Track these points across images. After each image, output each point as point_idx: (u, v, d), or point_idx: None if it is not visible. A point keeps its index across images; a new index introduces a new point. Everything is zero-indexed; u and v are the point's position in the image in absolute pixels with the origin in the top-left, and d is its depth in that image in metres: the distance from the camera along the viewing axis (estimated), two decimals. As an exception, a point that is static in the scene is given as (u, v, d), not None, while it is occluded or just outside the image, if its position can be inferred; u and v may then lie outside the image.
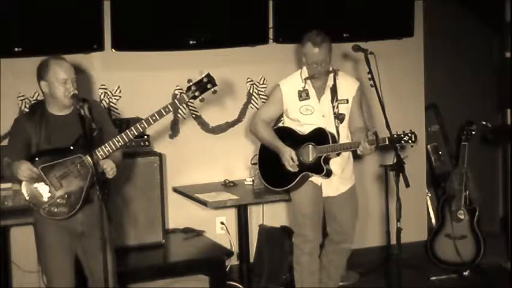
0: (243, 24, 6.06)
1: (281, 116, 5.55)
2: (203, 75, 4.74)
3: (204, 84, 4.72)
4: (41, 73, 4.60)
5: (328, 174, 5.36)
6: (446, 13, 7.07)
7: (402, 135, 5.08)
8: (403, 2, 6.48)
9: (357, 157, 5.67)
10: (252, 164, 6.05)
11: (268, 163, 5.56)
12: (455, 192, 6.52)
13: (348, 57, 6.27)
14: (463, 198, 6.49)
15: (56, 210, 4.57)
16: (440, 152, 7.20)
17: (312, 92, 5.37)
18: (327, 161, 5.34)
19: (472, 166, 6.57)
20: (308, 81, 5.37)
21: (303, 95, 5.37)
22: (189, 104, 6.05)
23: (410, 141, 5.08)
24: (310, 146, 5.36)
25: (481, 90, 7.33)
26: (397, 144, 5.10)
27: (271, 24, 6.19)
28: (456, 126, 6.83)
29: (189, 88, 4.72)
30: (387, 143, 5.11)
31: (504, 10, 7.13)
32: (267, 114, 5.53)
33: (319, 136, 5.32)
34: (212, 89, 4.75)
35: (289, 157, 5.34)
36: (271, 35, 6.20)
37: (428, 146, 7.12)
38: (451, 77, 7.16)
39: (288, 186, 5.46)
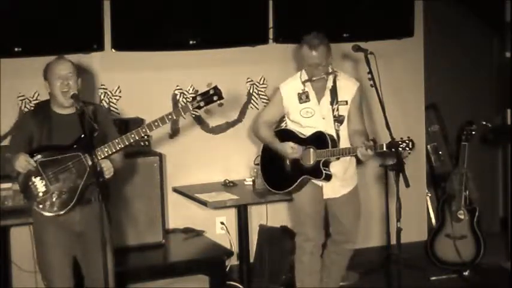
0: (243, 24, 6.06)
1: (283, 117, 5.56)
2: (210, 88, 4.79)
3: (209, 97, 4.75)
4: (44, 73, 4.66)
5: (328, 178, 5.35)
6: (446, 13, 7.07)
7: (400, 142, 5.04)
8: (403, 2, 6.48)
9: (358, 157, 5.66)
10: (255, 164, 6.06)
11: (269, 165, 5.58)
12: (455, 192, 6.52)
13: (348, 57, 6.26)
14: (463, 198, 6.49)
15: (48, 205, 4.57)
16: (440, 152, 7.20)
17: (312, 94, 5.37)
18: (326, 164, 5.34)
19: (472, 166, 6.56)
20: (308, 83, 5.36)
21: (303, 97, 5.37)
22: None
23: (407, 148, 5.04)
24: (311, 149, 5.36)
25: (481, 90, 7.33)
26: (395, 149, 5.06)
27: (271, 24, 6.19)
28: (456, 126, 6.83)
29: (194, 98, 4.76)
30: (385, 149, 5.08)
31: (504, 10, 7.12)
32: (268, 117, 5.54)
33: (319, 140, 5.33)
34: (218, 102, 4.78)
35: (290, 149, 5.35)
36: (271, 35, 6.20)
37: (428, 146, 7.11)
38: (451, 77, 7.15)
39: (288, 189, 5.47)
